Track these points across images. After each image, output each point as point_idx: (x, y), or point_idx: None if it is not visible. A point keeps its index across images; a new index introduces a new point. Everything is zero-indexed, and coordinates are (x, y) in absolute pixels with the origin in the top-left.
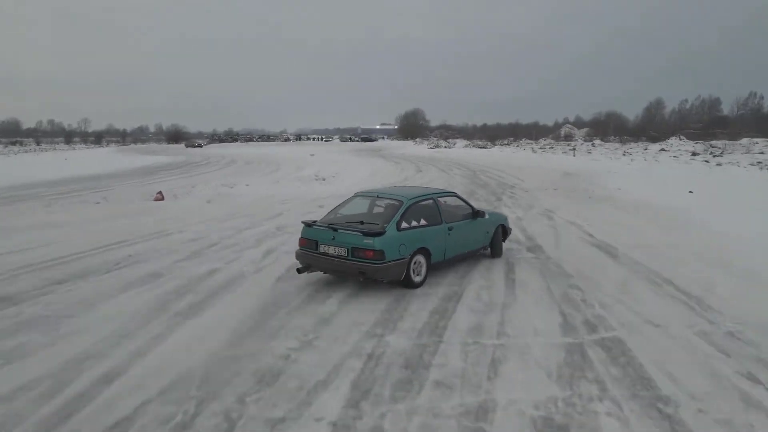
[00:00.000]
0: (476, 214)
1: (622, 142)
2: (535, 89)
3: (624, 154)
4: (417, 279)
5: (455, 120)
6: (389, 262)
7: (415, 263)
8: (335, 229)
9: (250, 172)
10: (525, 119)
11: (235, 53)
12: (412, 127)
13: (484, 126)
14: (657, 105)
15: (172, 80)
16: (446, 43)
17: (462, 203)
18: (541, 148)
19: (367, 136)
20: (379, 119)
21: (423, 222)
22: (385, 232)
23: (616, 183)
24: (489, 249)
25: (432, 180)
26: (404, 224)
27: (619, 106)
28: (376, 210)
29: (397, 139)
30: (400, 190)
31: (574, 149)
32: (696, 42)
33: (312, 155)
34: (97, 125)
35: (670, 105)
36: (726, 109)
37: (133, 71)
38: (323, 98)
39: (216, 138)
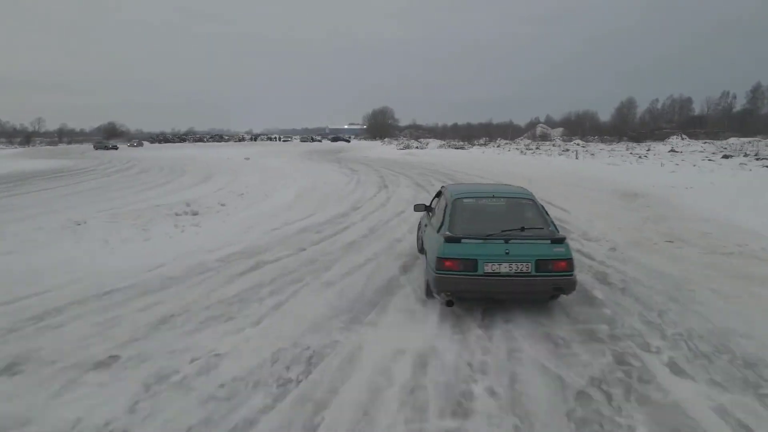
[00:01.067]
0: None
1: (603, 141)
2: (504, 91)
3: (640, 158)
4: None
5: (425, 120)
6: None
7: None
8: (506, 240)
9: (123, 187)
10: (496, 119)
11: (207, 52)
12: (380, 127)
13: (455, 126)
14: (629, 105)
15: (143, 78)
16: (416, 44)
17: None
18: (528, 149)
19: (338, 136)
20: (348, 119)
21: None
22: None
23: (747, 218)
24: None
25: (409, 217)
26: None
27: (588, 106)
28: (506, 211)
29: (365, 139)
30: (497, 187)
31: (576, 152)
32: (664, 44)
33: (247, 159)
34: (53, 125)
35: (642, 105)
36: (696, 108)
37: (103, 69)
38: (293, 98)
39: (160, 138)
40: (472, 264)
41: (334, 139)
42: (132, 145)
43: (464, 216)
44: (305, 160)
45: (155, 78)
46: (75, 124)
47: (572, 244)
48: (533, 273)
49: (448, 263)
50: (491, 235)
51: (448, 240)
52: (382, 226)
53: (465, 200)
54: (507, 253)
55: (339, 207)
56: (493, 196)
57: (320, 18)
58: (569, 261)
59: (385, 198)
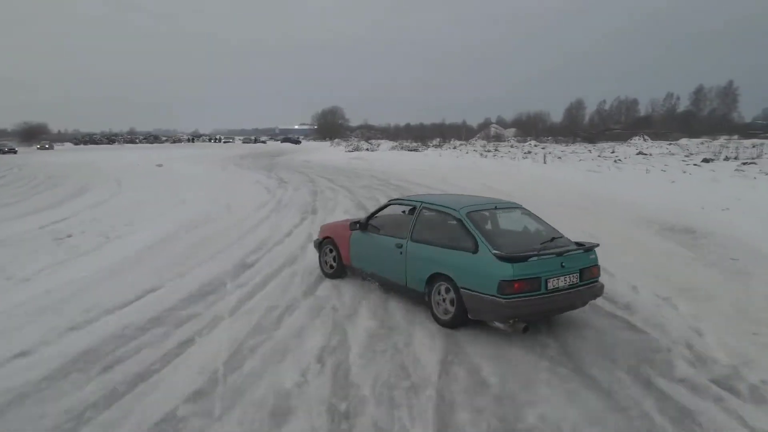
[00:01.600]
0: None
1: (557, 142)
2: (456, 93)
3: (615, 162)
4: None
5: (377, 121)
6: None
7: None
8: (560, 253)
9: None
10: (447, 120)
11: (154, 50)
12: (330, 127)
13: (408, 126)
14: (578, 106)
15: (84, 75)
16: (368, 44)
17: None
18: (486, 150)
19: (288, 137)
20: (299, 120)
21: None
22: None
23: None
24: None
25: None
26: None
27: (538, 108)
28: (517, 222)
29: (315, 139)
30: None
31: (544, 156)
32: (598, 44)
33: (159, 165)
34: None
35: (590, 106)
36: (642, 109)
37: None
38: (243, 99)
39: (86, 139)
40: (538, 282)
41: (285, 140)
42: (43, 148)
43: (495, 231)
44: (231, 166)
45: (98, 76)
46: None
47: None
48: (579, 283)
49: (518, 285)
50: (544, 249)
51: (512, 260)
52: (280, 325)
53: (478, 213)
54: (563, 266)
55: (220, 262)
56: (496, 207)
57: (272, 18)
58: (599, 267)
59: (308, 235)
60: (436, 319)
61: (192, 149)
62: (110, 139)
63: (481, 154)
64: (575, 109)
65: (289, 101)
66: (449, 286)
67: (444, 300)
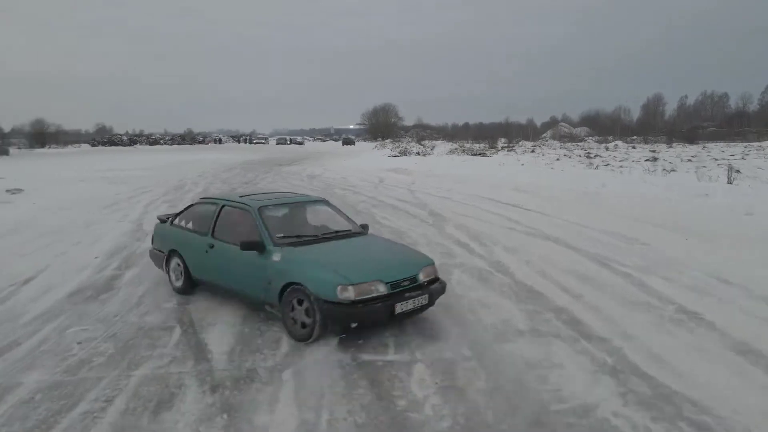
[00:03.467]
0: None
1: (647, 142)
2: (509, 90)
3: None
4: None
5: (434, 120)
6: None
7: None
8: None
9: None
10: (502, 118)
11: (209, 52)
12: (382, 126)
13: (467, 126)
14: (656, 102)
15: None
16: (427, 44)
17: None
18: (587, 157)
19: (348, 138)
20: (355, 120)
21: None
22: None
23: None
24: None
25: None
26: None
27: (593, 105)
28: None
29: (366, 140)
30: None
31: (730, 174)
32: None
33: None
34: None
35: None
36: (732, 104)
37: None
38: (302, 100)
39: (104, 140)
40: None
41: (349, 142)
42: None
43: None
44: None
45: (162, 80)
46: (71, 125)
47: None
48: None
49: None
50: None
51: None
52: None
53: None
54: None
55: None
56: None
57: (330, 20)
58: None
59: None
60: None
61: (190, 154)
62: (132, 139)
63: (589, 165)
64: (653, 105)
65: (347, 102)
66: None
67: None
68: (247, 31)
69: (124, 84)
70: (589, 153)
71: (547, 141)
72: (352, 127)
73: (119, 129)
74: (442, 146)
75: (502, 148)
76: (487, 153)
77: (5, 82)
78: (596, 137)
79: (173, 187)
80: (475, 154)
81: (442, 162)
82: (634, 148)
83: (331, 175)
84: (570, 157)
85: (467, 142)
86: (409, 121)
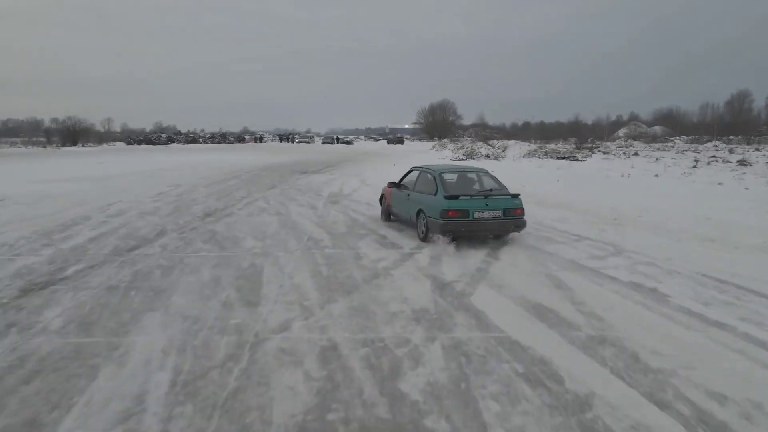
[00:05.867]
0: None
1: (749, 143)
2: (564, 87)
3: None
4: None
5: (488, 120)
6: None
7: None
8: (485, 196)
9: None
10: (557, 117)
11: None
12: (439, 125)
13: (527, 125)
14: (740, 98)
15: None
16: (481, 42)
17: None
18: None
19: (396, 137)
20: (410, 119)
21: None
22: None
23: None
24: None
25: None
26: None
27: (659, 104)
28: (472, 177)
29: (421, 139)
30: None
31: None
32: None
33: None
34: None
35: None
36: None
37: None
38: (358, 99)
39: (140, 138)
40: (466, 213)
41: (396, 141)
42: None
43: (452, 184)
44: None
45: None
46: (135, 124)
47: None
48: (501, 217)
49: (451, 213)
50: (476, 194)
51: (448, 197)
52: None
53: (447, 174)
54: (486, 205)
55: None
56: (464, 170)
57: (386, 19)
58: (523, 209)
59: None
60: (419, 236)
61: (213, 154)
62: (170, 138)
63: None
64: (738, 103)
65: (404, 101)
66: (423, 216)
67: (420, 224)
68: (304, 30)
69: (192, 85)
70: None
71: (627, 141)
72: (407, 126)
73: (182, 128)
74: (516, 147)
75: (587, 148)
76: (578, 156)
77: (80, 85)
78: (683, 137)
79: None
80: (563, 158)
81: (527, 170)
82: (758, 149)
83: (368, 194)
84: (708, 163)
85: (545, 143)
86: (466, 121)
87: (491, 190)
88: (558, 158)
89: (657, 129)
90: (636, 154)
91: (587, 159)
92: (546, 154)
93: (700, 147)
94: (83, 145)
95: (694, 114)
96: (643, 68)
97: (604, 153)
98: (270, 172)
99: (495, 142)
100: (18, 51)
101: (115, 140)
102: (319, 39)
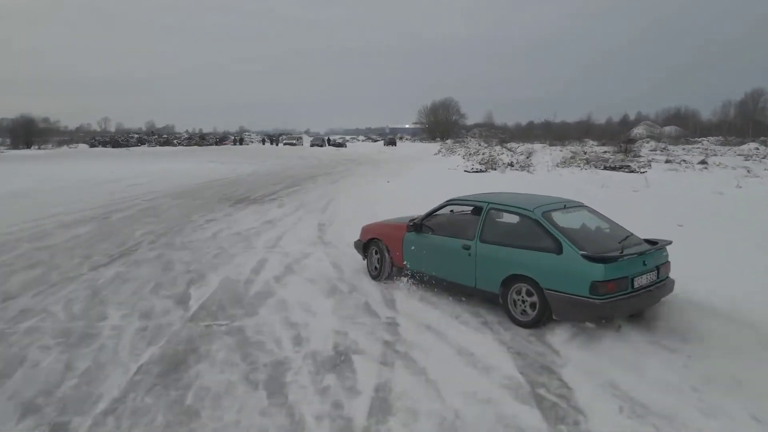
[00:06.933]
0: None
1: None
2: (559, 88)
3: None
4: None
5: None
6: None
7: None
8: (641, 252)
9: None
10: (564, 117)
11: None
12: (441, 125)
13: (532, 124)
14: (756, 97)
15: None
16: (481, 42)
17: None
18: None
19: (388, 138)
20: (411, 119)
21: None
22: None
23: None
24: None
25: None
26: None
27: (663, 104)
28: (581, 215)
29: (422, 140)
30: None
31: None
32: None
33: None
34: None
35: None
36: None
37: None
38: (357, 99)
39: (105, 140)
40: (626, 282)
41: (389, 142)
42: None
43: (574, 231)
44: None
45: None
46: (134, 124)
47: None
48: (657, 280)
49: (611, 285)
50: (627, 249)
51: (603, 260)
52: None
53: (552, 213)
54: (645, 264)
55: None
56: (565, 206)
57: (386, 19)
58: (670, 264)
59: None
60: (513, 320)
61: (162, 162)
62: (141, 139)
63: None
64: (752, 102)
65: (404, 101)
66: (530, 288)
67: (524, 301)
68: (304, 30)
69: (192, 85)
70: None
71: (649, 143)
72: (407, 126)
73: (181, 128)
74: (544, 153)
75: (626, 152)
76: (634, 166)
77: (79, 85)
78: (710, 138)
79: None
80: (611, 168)
81: (584, 190)
82: None
83: (307, 293)
84: None
85: (565, 143)
86: (469, 120)
87: (627, 237)
88: (604, 168)
89: (671, 129)
90: (704, 162)
91: (647, 169)
92: (588, 162)
93: (743, 149)
94: (39, 148)
95: (704, 113)
96: (644, 68)
97: (667, 161)
98: (186, 201)
99: (514, 145)
100: (18, 51)
101: (77, 141)
102: (319, 39)
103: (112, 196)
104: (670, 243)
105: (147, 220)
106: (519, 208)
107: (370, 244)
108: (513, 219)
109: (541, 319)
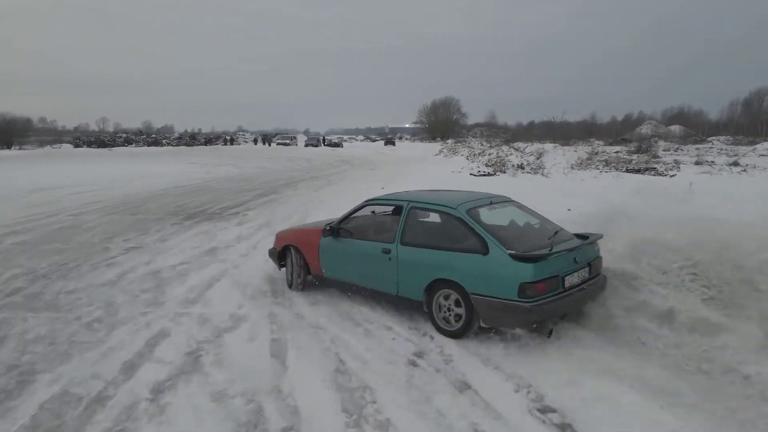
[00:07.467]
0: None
1: None
2: (560, 88)
3: None
4: None
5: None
6: None
7: None
8: (571, 249)
9: None
10: (590, 114)
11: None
12: (442, 124)
13: (532, 124)
14: (760, 96)
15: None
16: (482, 41)
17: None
18: None
19: (387, 137)
20: (411, 118)
21: None
22: None
23: None
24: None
25: None
26: None
27: (666, 103)
28: (509, 211)
29: (422, 140)
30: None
31: None
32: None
33: None
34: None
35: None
36: None
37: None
38: (357, 99)
39: (90, 140)
40: (557, 281)
41: (387, 141)
42: None
43: (500, 229)
44: None
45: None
46: (133, 124)
47: None
48: (589, 278)
49: (540, 286)
50: (556, 245)
51: (531, 260)
52: None
53: (477, 210)
54: (576, 262)
55: None
56: (491, 202)
57: (388, 19)
58: (602, 259)
59: None
60: (439, 329)
61: (149, 163)
62: (128, 139)
63: None
64: (756, 101)
65: (404, 100)
66: (456, 293)
67: (450, 309)
68: (305, 30)
69: (194, 85)
70: None
71: (657, 143)
72: (407, 125)
73: (180, 127)
74: (556, 154)
75: (642, 152)
76: (661, 168)
77: (78, 85)
78: (719, 137)
79: None
80: (634, 170)
81: (616, 202)
82: None
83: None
84: None
85: (578, 144)
86: (470, 120)
87: (556, 232)
88: (626, 170)
89: (676, 128)
90: (737, 163)
91: (676, 173)
92: (607, 164)
93: (760, 149)
94: (20, 148)
95: (708, 112)
96: (643, 68)
97: (697, 163)
98: (121, 217)
99: (521, 144)
100: (18, 50)
101: (68, 141)
102: (319, 39)
103: (35, 210)
104: (601, 237)
105: (44, 247)
106: (441, 205)
107: (285, 251)
108: (436, 218)
109: (470, 327)
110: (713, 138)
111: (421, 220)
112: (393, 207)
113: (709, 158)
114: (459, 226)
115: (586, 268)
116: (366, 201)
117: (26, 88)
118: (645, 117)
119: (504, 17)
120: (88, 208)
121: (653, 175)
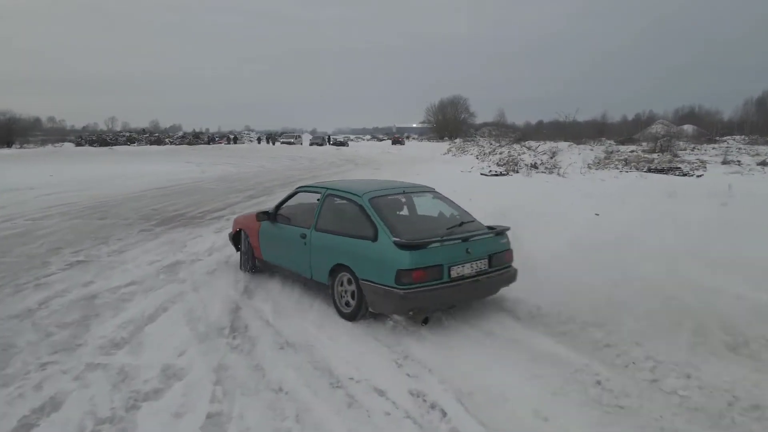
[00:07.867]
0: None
1: None
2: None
3: None
4: None
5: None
6: None
7: None
8: (464, 238)
9: None
10: (601, 114)
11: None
12: (450, 123)
13: (541, 123)
14: None
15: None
16: (485, 41)
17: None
18: None
19: (395, 137)
20: (418, 118)
21: None
22: None
23: None
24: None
25: None
26: None
27: (673, 103)
28: (416, 202)
29: (429, 139)
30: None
31: None
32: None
33: None
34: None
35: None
36: None
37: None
38: (365, 99)
39: (92, 138)
40: (439, 271)
41: (395, 141)
42: None
43: (400, 217)
44: None
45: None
46: (140, 123)
47: None
48: (488, 270)
49: (418, 274)
50: (449, 234)
51: (410, 247)
52: None
53: (382, 199)
54: (468, 252)
55: None
56: (404, 191)
57: (390, 19)
58: (512, 252)
59: None
60: (339, 312)
61: (142, 162)
62: (131, 138)
63: None
64: None
65: (411, 100)
66: (351, 278)
67: (346, 292)
68: (310, 30)
69: (199, 85)
70: None
71: (676, 142)
72: (415, 125)
73: (188, 127)
74: (571, 153)
75: (661, 151)
76: (685, 167)
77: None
78: (735, 137)
79: None
80: (657, 170)
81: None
82: None
83: None
84: None
85: (589, 143)
86: (478, 119)
87: (462, 223)
88: (648, 170)
89: (688, 128)
90: (765, 163)
91: (703, 173)
92: (627, 164)
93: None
94: (20, 147)
95: (717, 112)
96: (648, 68)
97: (724, 163)
98: (84, 222)
99: (533, 143)
100: (18, 50)
101: (63, 140)
102: (319, 39)
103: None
104: (507, 229)
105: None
106: (349, 193)
107: (238, 236)
108: (345, 206)
109: (360, 311)
110: (727, 138)
111: (334, 207)
112: (318, 194)
113: (734, 158)
114: (359, 214)
115: (485, 260)
116: (298, 188)
117: (26, 87)
118: (655, 116)
119: (504, 17)
120: (53, 211)
121: (678, 175)
